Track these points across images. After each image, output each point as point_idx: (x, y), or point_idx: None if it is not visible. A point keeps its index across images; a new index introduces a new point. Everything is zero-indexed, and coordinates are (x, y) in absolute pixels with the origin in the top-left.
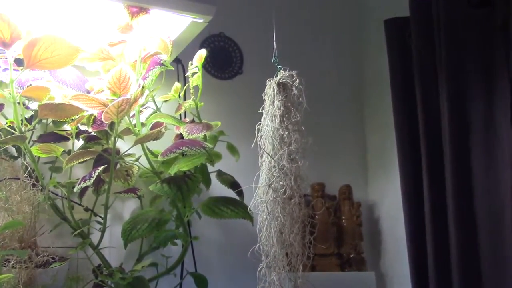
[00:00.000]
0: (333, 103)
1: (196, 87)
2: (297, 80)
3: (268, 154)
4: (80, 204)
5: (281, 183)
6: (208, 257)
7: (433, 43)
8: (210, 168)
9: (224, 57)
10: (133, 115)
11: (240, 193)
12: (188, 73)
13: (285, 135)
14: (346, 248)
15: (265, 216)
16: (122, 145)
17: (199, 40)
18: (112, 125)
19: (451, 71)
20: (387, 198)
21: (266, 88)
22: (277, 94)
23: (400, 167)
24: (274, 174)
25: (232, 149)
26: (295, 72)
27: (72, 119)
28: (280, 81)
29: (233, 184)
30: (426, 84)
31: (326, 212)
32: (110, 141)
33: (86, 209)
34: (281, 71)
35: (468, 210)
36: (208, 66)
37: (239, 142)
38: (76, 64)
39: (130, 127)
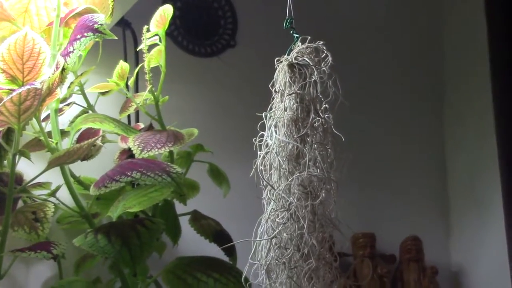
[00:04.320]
0: (390, 95)
1: (156, 70)
2: (328, 57)
3: (270, 185)
4: None
5: (284, 234)
6: None
7: None
8: (180, 208)
9: (206, 19)
10: (47, 117)
11: (230, 251)
12: (143, 46)
13: (300, 153)
14: None
15: None
16: (28, 168)
17: None
18: (9, 133)
19: None
20: (483, 261)
21: (275, 74)
22: (289, 82)
23: (506, 205)
24: (277, 219)
25: (217, 175)
26: (321, 43)
27: None
28: (294, 61)
29: (219, 236)
30: None
31: (378, 283)
32: (6, 162)
33: None
34: (298, 42)
35: None
36: (178, 33)
37: (230, 164)
38: None
39: (42, 138)
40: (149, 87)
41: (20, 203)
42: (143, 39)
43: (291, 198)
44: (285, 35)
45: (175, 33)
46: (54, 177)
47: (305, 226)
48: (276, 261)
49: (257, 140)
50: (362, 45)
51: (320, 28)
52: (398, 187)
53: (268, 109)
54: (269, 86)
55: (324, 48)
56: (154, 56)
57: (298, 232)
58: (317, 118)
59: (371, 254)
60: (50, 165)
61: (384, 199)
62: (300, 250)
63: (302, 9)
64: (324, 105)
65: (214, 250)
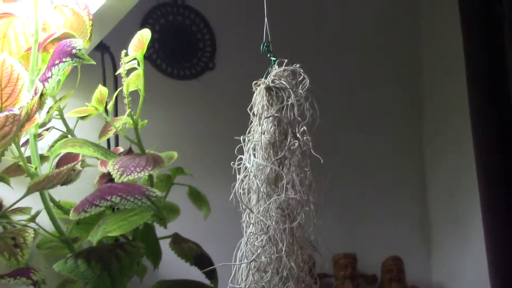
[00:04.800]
0: (366, 115)
1: (135, 93)
2: (305, 79)
3: (248, 208)
4: None
5: (263, 257)
6: None
7: None
8: (160, 231)
9: (184, 42)
10: (26, 143)
11: (211, 274)
12: (122, 70)
13: (278, 176)
14: None
15: None
16: (8, 193)
17: (140, 13)
18: None
19: None
20: (464, 280)
21: (253, 97)
22: (266, 106)
23: (485, 223)
24: (256, 243)
25: (197, 198)
26: (298, 65)
27: None
28: (271, 85)
29: (200, 259)
30: None
31: None
32: None
33: None
34: (276, 65)
35: None
36: (157, 56)
37: (210, 187)
38: None
39: (21, 163)
40: (128, 111)
41: None
42: (122, 63)
43: (269, 221)
44: (263, 58)
45: (154, 56)
46: (34, 202)
47: (284, 249)
48: (255, 285)
49: (236, 164)
50: (340, 60)
51: (296, 45)
52: (379, 207)
53: (247, 132)
54: (248, 109)
55: (301, 70)
56: (133, 80)
57: (277, 255)
58: (295, 141)
59: (352, 274)
60: (30, 190)
61: (365, 219)
62: (279, 273)
63: (278, 28)
64: (302, 128)
65: (195, 274)
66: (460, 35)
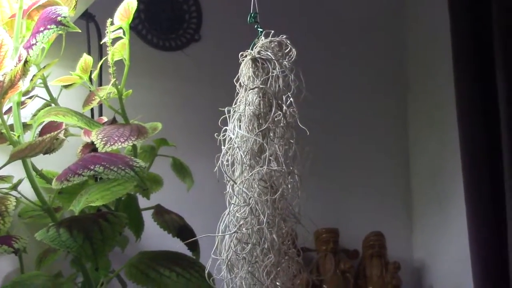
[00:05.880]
0: (354, 91)
1: (120, 63)
2: (292, 50)
3: (232, 180)
4: None
5: (244, 230)
6: None
7: None
8: (143, 202)
9: (170, 12)
10: (9, 110)
11: (193, 245)
12: (107, 39)
13: (262, 148)
14: None
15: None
16: None
17: None
18: None
19: None
20: (445, 256)
21: (240, 68)
22: (252, 77)
23: (467, 201)
24: (237, 214)
25: (181, 170)
26: (285, 37)
27: None
28: (257, 56)
29: (182, 231)
30: None
31: (341, 278)
32: None
33: None
34: (262, 37)
35: None
36: (142, 27)
37: (193, 158)
38: None
39: (4, 131)
40: (112, 80)
41: None
42: (107, 32)
43: (251, 193)
44: (250, 29)
45: (140, 26)
46: (16, 170)
47: (265, 221)
48: (237, 256)
49: (221, 135)
50: (326, 34)
51: (286, 23)
52: (362, 182)
53: (233, 103)
54: (234, 80)
55: (288, 42)
56: (118, 49)
57: (258, 227)
58: (279, 113)
59: (334, 249)
60: (12, 158)
61: (347, 194)
62: (260, 245)
63: (266, 4)
64: (290, 100)
65: (177, 245)
66: (445, 18)
